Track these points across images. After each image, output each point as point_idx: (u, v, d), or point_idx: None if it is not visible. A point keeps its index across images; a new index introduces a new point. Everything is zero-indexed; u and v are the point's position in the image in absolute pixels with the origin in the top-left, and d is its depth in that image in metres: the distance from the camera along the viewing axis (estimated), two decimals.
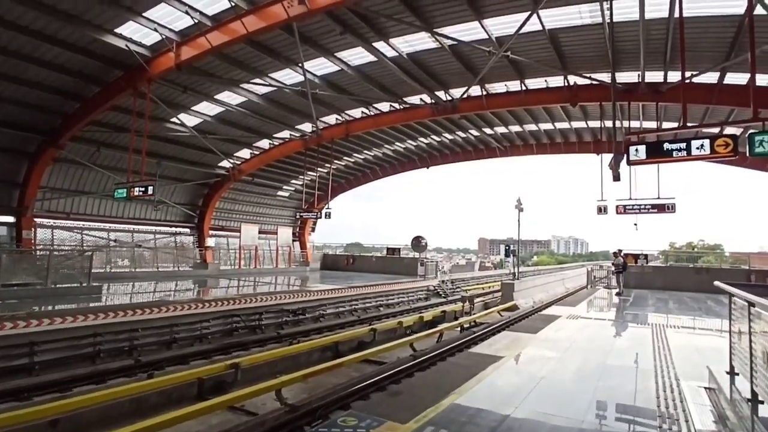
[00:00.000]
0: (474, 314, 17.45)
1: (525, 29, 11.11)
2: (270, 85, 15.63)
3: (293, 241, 30.42)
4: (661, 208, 18.72)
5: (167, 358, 10.08)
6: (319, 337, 12.38)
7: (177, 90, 15.53)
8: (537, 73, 15.04)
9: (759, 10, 8.90)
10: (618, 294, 16.95)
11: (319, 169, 24.07)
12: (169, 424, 5.74)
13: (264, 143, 22.18)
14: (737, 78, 13.16)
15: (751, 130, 7.86)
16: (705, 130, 15.23)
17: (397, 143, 24.90)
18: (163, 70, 13.04)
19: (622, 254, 17.96)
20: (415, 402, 5.19)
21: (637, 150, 8.39)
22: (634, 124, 18.62)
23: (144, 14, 11.48)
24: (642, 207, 19.03)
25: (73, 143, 16.81)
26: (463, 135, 23.63)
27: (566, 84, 15.18)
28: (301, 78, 14.24)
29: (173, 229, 24.13)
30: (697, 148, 7.85)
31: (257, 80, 15.29)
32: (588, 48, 13.14)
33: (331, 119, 20.06)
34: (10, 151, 16.26)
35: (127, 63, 13.29)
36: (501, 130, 22.48)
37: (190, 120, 17.98)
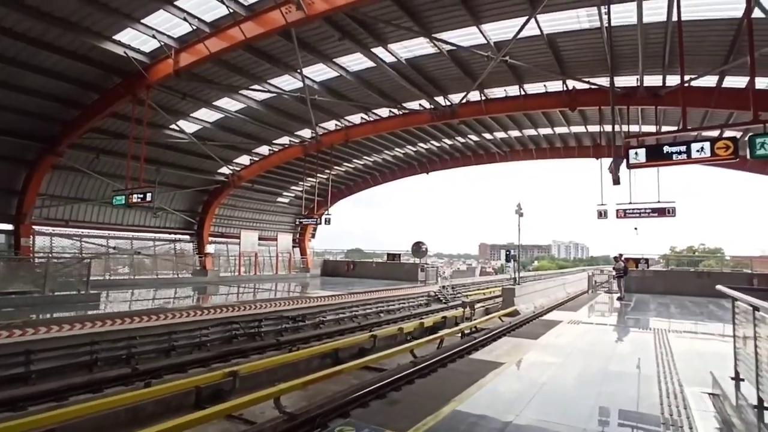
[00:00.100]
0: (475, 320, 17.33)
1: (523, 34, 11.11)
2: (269, 92, 15.64)
3: (293, 247, 30.34)
4: (661, 212, 18.69)
5: (165, 366, 9.96)
6: (318, 343, 12.29)
7: (176, 96, 15.53)
8: (536, 77, 15.04)
9: (757, 12, 8.89)
10: (619, 298, 16.85)
11: (318, 175, 24.06)
12: None
13: (263, 149, 22.18)
14: (736, 81, 13.16)
15: (751, 133, 7.82)
16: (705, 133, 15.22)
17: (397, 149, 24.90)
18: (161, 76, 13.03)
19: (622, 258, 17.89)
20: (415, 410, 5.11)
21: (636, 153, 8.36)
22: (633, 128, 18.60)
23: (142, 21, 11.48)
24: (642, 211, 18.99)
25: (72, 150, 16.80)
26: (462, 140, 23.63)
27: (565, 88, 15.19)
28: (300, 84, 14.25)
29: (173, 236, 24.07)
30: (698, 151, 7.82)
31: (256, 86, 15.30)
32: (586, 52, 13.14)
33: (331, 125, 20.06)
34: (9, 159, 16.24)
35: (126, 70, 13.29)
36: (500, 135, 22.46)
37: (189, 126, 17.99)
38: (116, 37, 12.01)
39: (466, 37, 12.47)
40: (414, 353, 11.15)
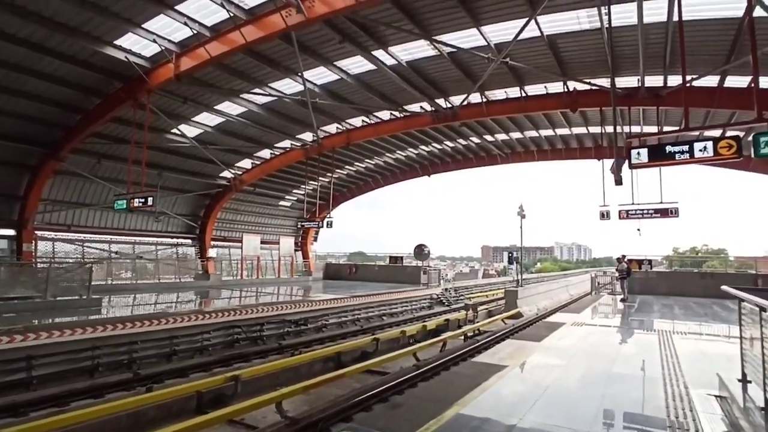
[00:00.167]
0: (477, 322, 17.25)
1: (523, 35, 11.09)
2: (270, 95, 15.65)
3: (295, 250, 30.30)
4: (664, 213, 18.56)
5: (167, 370, 9.92)
6: (321, 347, 12.23)
7: (177, 101, 15.56)
8: (536, 79, 15.01)
9: (758, 11, 8.85)
10: (622, 300, 16.77)
11: (320, 178, 24.05)
12: None
13: (265, 153, 22.19)
14: (738, 81, 13.11)
15: (755, 132, 7.77)
16: (707, 132, 15.16)
17: (398, 151, 24.89)
18: (162, 81, 13.06)
19: (625, 260, 17.78)
20: (417, 413, 5.06)
21: (639, 153, 8.29)
22: (635, 129, 18.54)
23: (143, 26, 11.51)
24: (645, 212, 18.86)
25: (73, 155, 16.83)
26: (463, 142, 23.61)
27: (566, 90, 15.16)
28: (300, 87, 14.26)
29: (175, 241, 24.07)
30: (700, 150, 7.75)
31: (257, 90, 15.31)
32: (587, 53, 13.12)
33: (332, 128, 20.07)
34: (11, 165, 16.26)
35: (127, 74, 13.33)
36: (501, 136, 22.44)
37: (190, 131, 18.00)
38: (117, 42, 12.05)
39: (466, 39, 12.47)
40: (417, 356, 11.08)
